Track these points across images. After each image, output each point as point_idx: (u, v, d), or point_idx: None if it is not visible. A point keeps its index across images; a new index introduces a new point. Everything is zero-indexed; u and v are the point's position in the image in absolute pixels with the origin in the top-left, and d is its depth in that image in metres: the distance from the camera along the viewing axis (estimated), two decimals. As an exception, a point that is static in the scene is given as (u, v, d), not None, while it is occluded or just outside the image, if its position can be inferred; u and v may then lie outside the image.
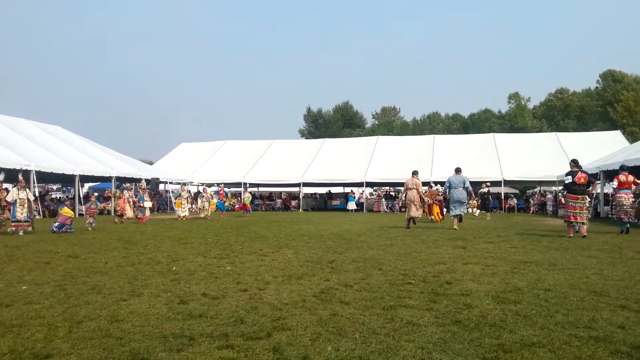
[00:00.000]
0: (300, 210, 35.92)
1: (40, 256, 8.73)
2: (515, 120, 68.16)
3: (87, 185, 36.95)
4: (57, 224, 14.16)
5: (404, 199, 16.90)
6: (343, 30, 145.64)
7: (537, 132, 52.15)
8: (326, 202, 39.46)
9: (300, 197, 37.36)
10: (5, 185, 16.67)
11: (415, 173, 16.79)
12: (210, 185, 36.39)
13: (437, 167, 32.32)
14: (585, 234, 11.71)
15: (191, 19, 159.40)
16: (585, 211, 12.19)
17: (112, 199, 23.35)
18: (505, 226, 16.81)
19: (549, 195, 33.52)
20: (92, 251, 9.49)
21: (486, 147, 35.58)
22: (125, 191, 21.24)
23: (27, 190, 14.36)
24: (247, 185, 31.46)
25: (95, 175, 27.54)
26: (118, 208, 20.16)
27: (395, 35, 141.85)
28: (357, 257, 8.36)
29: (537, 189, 41.36)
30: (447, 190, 15.57)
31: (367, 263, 7.69)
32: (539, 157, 32.08)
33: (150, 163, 45.71)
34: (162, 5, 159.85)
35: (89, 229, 15.05)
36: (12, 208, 13.55)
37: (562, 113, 67.81)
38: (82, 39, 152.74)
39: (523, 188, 46.73)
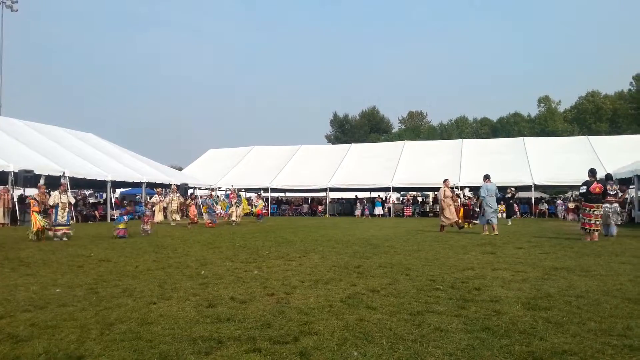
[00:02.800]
0: (327, 215, 35.93)
1: (73, 260, 8.95)
2: (546, 124, 66.91)
3: (118, 191, 37.71)
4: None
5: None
6: (369, 36, 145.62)
7: (568, 135, 51.02)
8: (353, 207, 39.35)
9: (327, 202, 37.37)
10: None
11: (446, 181, 17.33)
12: (239, 190, 36.73)
13: (465, 172, 31.96)
14: (596, 239, 12.21)
15: (218, 27, 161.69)
16: (600, 219, 12.68)
17: (168, 205, 23.70)
18: (536, 231, 16.49)
19: (559, 201, 32.99)
20: (123, 255, 9.68)
21: (516, 151, 34.99)
22: (156, 196, 21.57)
23: (68, 194, 14.69)
24: (261, 191, 31.59)
25: (126, 181, 28.11)
26: (190, 214, 20.55)
27: (422, 39, 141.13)
28: (384, 263, 8.32)
29: (568, 194, 40.46)
30: (483, 197, 15.51)
31: (394, 268, 7.65)
32: (571, 161, 31.34)
33: (180, 169, 46.39)
34: (188, 14, 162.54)
35: (143, 234, 15.13)
36: (53, 211, 13.88)
37: (594, 116, 66.21)
38: (114, 50, 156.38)
39: (555, 192, 45.76)
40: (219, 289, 6.00)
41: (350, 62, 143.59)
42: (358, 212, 34.90)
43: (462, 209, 18.35)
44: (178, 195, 24.72)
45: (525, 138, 39.30)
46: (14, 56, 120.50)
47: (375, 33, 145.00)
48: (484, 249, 10.60)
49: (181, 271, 7.49)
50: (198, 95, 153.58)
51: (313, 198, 42.98)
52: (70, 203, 14.42)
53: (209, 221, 20.32)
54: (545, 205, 34.44)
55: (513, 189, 27.32)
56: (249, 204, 27.49)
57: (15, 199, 22.64)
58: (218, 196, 22.79)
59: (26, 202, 18.98)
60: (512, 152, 35.06)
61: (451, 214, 16.55)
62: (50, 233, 13.57)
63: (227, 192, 30.08)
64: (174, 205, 23.47)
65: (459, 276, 6.87)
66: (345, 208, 38.68)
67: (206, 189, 30.76)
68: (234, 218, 22.61)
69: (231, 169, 39.74)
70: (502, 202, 23.53)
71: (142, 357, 3.44)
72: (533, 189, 31.69)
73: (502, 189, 23.60)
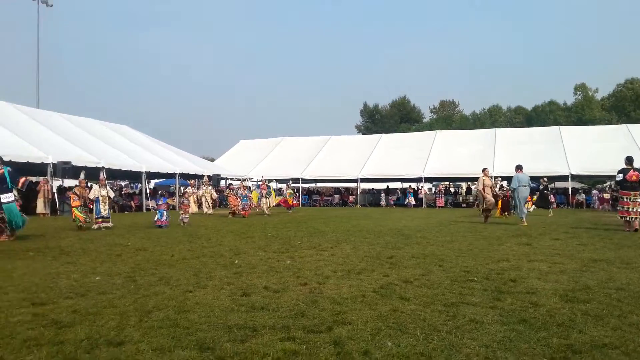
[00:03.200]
0: (358, 205, 35.90)
1: (111, 249, 9.19)
2: (582, 112, 65.08)
3: (152, 182, 38.47)
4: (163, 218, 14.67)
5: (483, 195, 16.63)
6: (399, 24, 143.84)
7: (606, 124, 49.46)
8: (384, 198, 39.19)
9: (358, 193, 37.31)
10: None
11: (485, 170, 17.06)
12: (270, 181, 37.00)
13: (498, 162, 31.39)
14: (637, 227, 11.98)
15: (249, 19, 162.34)
16: (638, 207, 12.29)
17: (203, 196, 24.04)
18: (573, 222, 16.10)
19: (594, 191, 32.14)
20: (159, 244, 9.89)
21: (551, 141, 34.17)
22: (189, 187, 21.85)
23: (107, 187, 15.05)
24: (290, 182, 31.65)
25: (160, 172, 28.63)
26: (230, 204, 20.85)
27: (453, 27, 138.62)
28: (417, 253, 8.27)
29: (607, 184, 39.32)
30: (514, 188, 15.36)
31: (427, 259, 7.59)
32: (609, 150, 30.33)
33: (212, 160, 46.99)
34: (218, 7, 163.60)
35: (182, 224, 15.28)
36: (94, 205, 14.27)
37: (634, 104, 63.98)
38: (146, 45, 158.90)
39: (593, 183, 44.54)
40: (252, 278, 6.07)
41: (380, 51, 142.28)
42: (383, 202, 35.24)
43: (500, 201, 18.06)
44: (210, 187, 25.06)
45: (561, 127, 38.31)
46: (50, 50, 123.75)
47: (405, 21, 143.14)
48: (520, 240, 10.41)
49: (215, 260, 7.61)
50: (229, 87, 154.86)
51: (344, 189, 43.00)
52: (109, 197, 14.78)
53: (244, 210, 20.59)
54: (583, 195, 33.56)
55: (546, 179, 26.69)
56: (277, 195, 27.53)
57: (54, 190, 23.37)
58: (249, 187, 22.93)
59: (66, 196, 19.53)
60: (548, 141, 34.24)
61: (489, 203, 16.30)
62: (95, 226, 13.94)
63: (258, 183, 30.35)
64: (207, 196, 23.81)
65: (494, 267, 6.77)
66: (376, 198, 38.58)
67: (237, 179, 31.10)
68: (265, 210, 22.88)
69: (262, 160, 40.05)
70: (536, 193, 23.03)
71: (180, 344, 3.52)
72: (570, 178, 30.92)
73: (536, 179, 23.12)
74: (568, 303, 4.65)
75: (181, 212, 16.32)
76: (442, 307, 4.56)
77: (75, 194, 14.32)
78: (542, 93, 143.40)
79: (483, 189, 16.39)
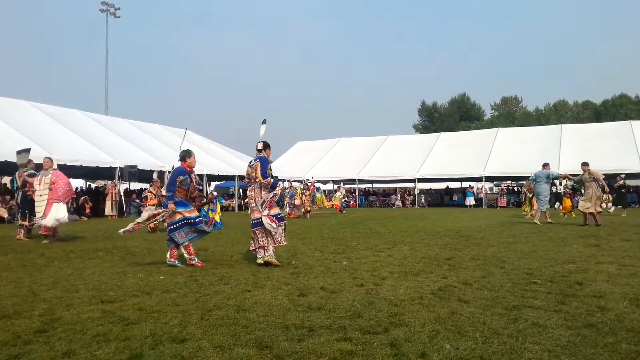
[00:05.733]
0: (416, 206, 35.42)
1: (174, 249, 9.51)
2: (657, 105, 61.25)
3: (213, 184, 39.61)
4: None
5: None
6: (460, 19, 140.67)
7: (683, 117, 46.30)
8: (443, 198, 38.49)
9: (416, 193, 36.83)
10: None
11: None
12: (325, 182, 37.13)
13: (564, 160, 30.06)
14: None
15: (304, 21, 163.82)
16: None
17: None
18: (647, 223, 15.20)
19: None
20: (219, 245, 10.17)
21: (622, 136, 32.32)
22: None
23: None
24: (342, 184, 31.34)
25: (220, 174, 29.41)
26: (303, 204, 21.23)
27: (516, 18, 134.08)
28: (477, 255, 8.07)
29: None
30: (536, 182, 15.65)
31: (487, 261, 7.39)
32: (688, 145, 28.50)
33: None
34: (276, 9, 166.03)
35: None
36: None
37: None
38: (202, 50, 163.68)
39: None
40: (309, 278, 6.12)
41: (438, 48, 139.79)
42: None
43: (564, 199, 17.61)
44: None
45: (632, 122, 36.17)
46: (117, 58, 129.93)
47: (465, 14, 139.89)
48: (587, 241, 9.94)
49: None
50: (287, 89, 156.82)
51: (402, 189, 42.55)
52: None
53: (291, 213, 20.85)
54: (657, 193, 31.62)
55: (623, 175, 25.26)
56: (327, 199, 26.92)
57: (121, 193, 24.51)
58: (296, 188, 23.01)
59: (143, 196, 20.36)
60: (618, 137, 32.42)
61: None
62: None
63: (307, 183, 30.53)
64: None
65: (558, 270, 6.51)
66: (435, 199, 37.92)
67: (295, 181, 31.46)
68: (303, 210, 22.24)
69: (319, 161, 40.29)
70: (611, 190, 21.92)
71: (239, 342, 3.60)
72: (643, 176, 29.20)
73: (610, 176, 21.90)
74: (639, 307, 4.40)
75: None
76: (502, 310, 4.43)
77: (151, 192, 14.98)
78: (612, 86, 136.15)
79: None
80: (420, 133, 69.74)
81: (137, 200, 24.49)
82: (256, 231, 7.20)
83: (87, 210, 22.79)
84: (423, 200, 36.14)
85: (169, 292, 5.39)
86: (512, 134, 38.00)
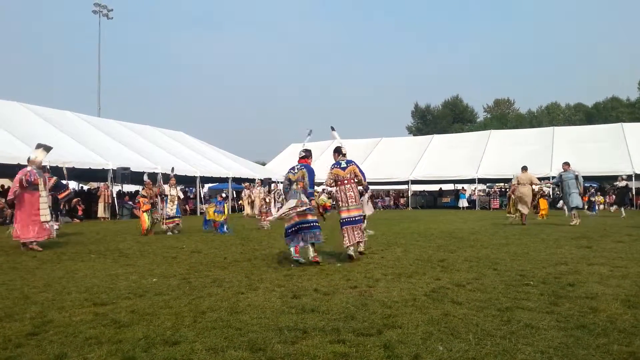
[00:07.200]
0: (409, 208, 35.47)
1: (167, 251, 9.50)
2: (647, 108, 61.69)
3: (207, 186, 39.51)
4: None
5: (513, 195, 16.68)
6: (454, 21, 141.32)
7: (674, 120, 46.68)
8: (436, 200, 38.57)
9: (409, 195, 36.89)
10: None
11: (524, 168, 17.27)
12: (319, 184, 37.03)
13: (557, 161, 30.17)
14: None
15: (299, 22, 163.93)
16: None
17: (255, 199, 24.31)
18: (638, 224, 15.29)
19: None
20: (213, 247, 10.14)
21: (614, 139, 32.57)
22: (245, 190, 22.12)
23: (177, 188, 15.43)
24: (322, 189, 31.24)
25: (214, 176, 29.35)
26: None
27: (510, 21, 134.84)
28: (470, 256, 8.09)
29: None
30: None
31: (480, 262, 7.41)
32: (677, 148, 28.69)
33: (263, 164, 47.67)
34: (273, 11, 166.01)
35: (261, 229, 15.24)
36: (164, 204, 14.62)
37: None
38: (198, 50, 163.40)
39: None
40: (302, 280, 6.12)
41: (431, 50, 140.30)
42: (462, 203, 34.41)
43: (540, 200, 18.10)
44: (260, 189, 25.41)
45: (624, 124, 36.43)
46: (109, 60, 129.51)
47: (458, 16, 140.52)
48: (579, 242, 10.00)
49: (266, 263, 7.73)
50: (280, 90, 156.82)
51: (394, 191, 42.60)
52: (179, 197, 15.16)
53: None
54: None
55: (624, 176, 25.23)
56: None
57: (114, 195, 24.39)
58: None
59: (136, 201, 20.18)
60: (610, 139, 32.68)
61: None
62: (164, 226, 14.26)
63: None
64: (259, 200, 24.12)
65: (551, 271, 6.53)
66: (428, 201, 37.98)
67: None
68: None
69: (313, 163, 40.18)
70: (613, 191, 22.30)
71: (232, 344, 3.59)
72: (634, 178, 29.36)
73: (606, 178, 22.03)
74: (631, 309, 4.43)
75: (261, 219, 16.08)
76: (495, 311, 4.44)
77: (144, 196, 14.37)
78: (603, 89, 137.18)
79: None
80: (414, 135, 69.85)
81: (130, 202, 24.36)
82: (355, 227, 8.10)
83: (80, 213, 22.64)
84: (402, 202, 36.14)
85: (162, 295, 5.36)
86: (504, 136, 38.16)
